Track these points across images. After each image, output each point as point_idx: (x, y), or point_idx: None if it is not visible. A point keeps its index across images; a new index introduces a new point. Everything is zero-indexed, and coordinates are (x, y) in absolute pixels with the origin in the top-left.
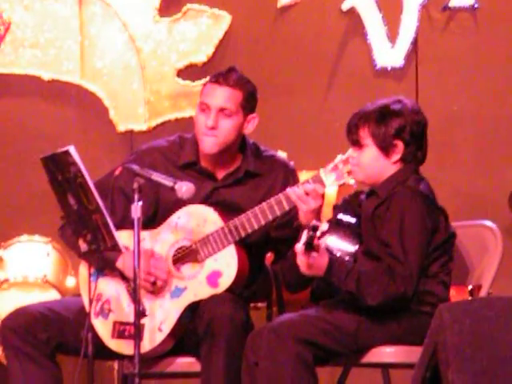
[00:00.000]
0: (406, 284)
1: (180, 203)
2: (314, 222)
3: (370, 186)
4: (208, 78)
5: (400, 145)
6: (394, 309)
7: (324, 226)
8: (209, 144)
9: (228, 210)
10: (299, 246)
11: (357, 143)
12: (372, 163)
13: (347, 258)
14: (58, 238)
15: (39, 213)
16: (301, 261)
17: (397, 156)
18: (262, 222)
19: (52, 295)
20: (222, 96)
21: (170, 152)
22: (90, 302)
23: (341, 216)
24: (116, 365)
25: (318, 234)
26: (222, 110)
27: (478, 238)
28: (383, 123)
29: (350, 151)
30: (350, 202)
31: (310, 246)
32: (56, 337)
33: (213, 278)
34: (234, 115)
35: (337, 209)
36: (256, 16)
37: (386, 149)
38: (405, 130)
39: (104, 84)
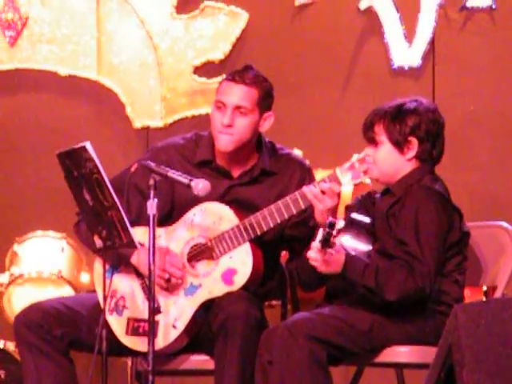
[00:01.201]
0: (424, 280)
1: (195, 201)
2: (331, 219)
3: (385, 184)
4: (224, 76)
5: (414, 141)
6: (412, 306)
7: (341, 223)
8: (224, 142)
9: (243, 208)
10: (315, 244)
11: (372, 140)
12: (387, 160)
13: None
14: (73, 233)
15: (54, 208)
16: (316, 259)
17: (411, 153)
18: (278, 221)
19: (66, 291)
20: (238, 94)
21: (185, 150)
22: (105, 298)
23: (354, 215)
24: (130, 361)
25: (335, 232)
26: (237, 107)
27: (493, 239)
28: (398, 120)
29: (366, 150)
30: (363, 202)
31: (327, 243)
32: (70, 333)
33: (228, 276)
34: (250, 113)
35: (349, 209)
36: (273, 14)
37: (400, 145)
38: (420, 128)
39: (121, 80)
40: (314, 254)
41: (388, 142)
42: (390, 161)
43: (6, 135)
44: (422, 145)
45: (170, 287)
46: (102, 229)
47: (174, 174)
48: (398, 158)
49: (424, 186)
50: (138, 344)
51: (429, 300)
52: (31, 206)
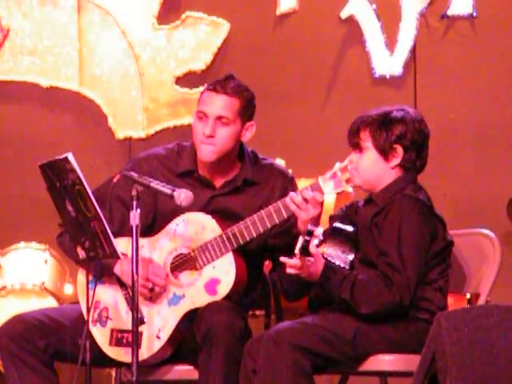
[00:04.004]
0: (403, 293)
1: (178, 211)
2: (309, 227)
3: (367, 191)
4: (206, 86)
5: (399, 149)
6: (390, 317)
7: (319, 231)
8: (206, 152)
9: (226, 218)
10: (295, 252)
11: (357, 146)
12: (371, 167)
13: (343, 266)
14: (56, 245)
15: (37, 220)
16: (294, 266)
17: (396, 160)
18: (261, 230)
19: (50, 302)
20: (220, 104)
21: (168, 160)
22: (88, 309)
23: (338, 224)
24: (114, 372)
25: (314, 240)
26: (219, 118)
27: (476, 247)
28: (385, 128)
29: (351, 156)
30: (347, 212)
31: (306, 251)
32: (54, 344)
33: (211, 286)
34: (232, 123)
35: (333, 219)
36: (255, 24)
37: (385, 152)
38: (406, 137)
39: (102, 91)
40: (292, 261)
41: (373, 148)
42: (373, 168)
43: None
44: (406, 153)
45: (154, 297)
46: (84, 240)
47: (156, 185)
48: (382, 165)
49: (407, 195)
50: (122, 355)
51: (408, 311)
52: (14, 218)
